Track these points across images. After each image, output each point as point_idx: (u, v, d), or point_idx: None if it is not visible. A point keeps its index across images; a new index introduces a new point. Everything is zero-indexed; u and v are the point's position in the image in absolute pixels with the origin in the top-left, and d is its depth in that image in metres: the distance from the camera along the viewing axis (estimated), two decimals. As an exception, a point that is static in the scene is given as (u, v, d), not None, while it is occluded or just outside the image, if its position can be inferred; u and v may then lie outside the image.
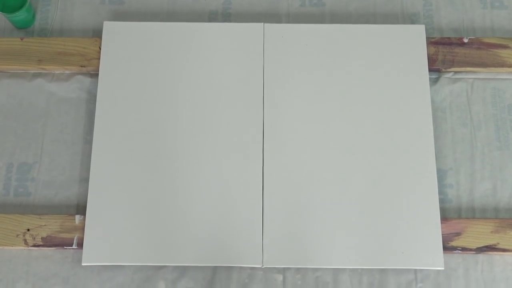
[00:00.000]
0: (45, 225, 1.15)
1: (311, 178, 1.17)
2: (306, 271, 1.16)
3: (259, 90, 1.23)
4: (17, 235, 1.15)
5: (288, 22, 1.34)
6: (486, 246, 1.14)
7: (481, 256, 1.17)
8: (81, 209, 1.19)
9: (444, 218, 1.17)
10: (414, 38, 1.27)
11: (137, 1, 1.35)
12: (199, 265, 1.14)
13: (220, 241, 1.14)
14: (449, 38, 1.29)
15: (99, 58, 1.26)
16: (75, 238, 1.15)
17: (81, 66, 1.26)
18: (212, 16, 1.34)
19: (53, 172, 1.22)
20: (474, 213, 1.20)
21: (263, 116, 1.21)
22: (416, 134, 1.20)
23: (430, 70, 1.26)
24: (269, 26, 1.28)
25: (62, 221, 1.16)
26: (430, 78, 1.28)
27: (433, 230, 1.14)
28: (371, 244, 1.14)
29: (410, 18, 1.34)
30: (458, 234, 1.15)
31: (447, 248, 1.14)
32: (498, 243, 1.14)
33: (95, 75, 1.28)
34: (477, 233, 1.15)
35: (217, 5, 1.35)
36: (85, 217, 1.15)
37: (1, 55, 1.26)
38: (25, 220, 1.16)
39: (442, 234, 1.14)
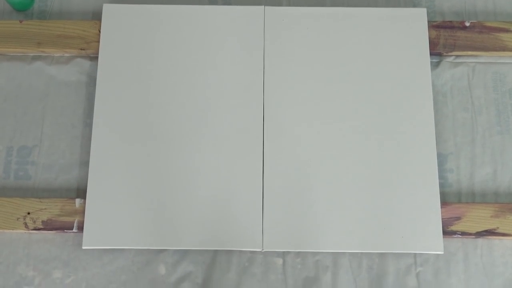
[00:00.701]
0: (45, 209, 1.15)
1: (311, 162, 1.17)
2: (306, 255, 1.16)
3: (260, 73, 1.22)
4: (18, 219, 1.15)
5: (289, 5, 1.33)
6: (486, 231, 1.15)
7: (481, 241, 1.17)
8: (82, 192, 1.20)
9: (444, 202, 1.17)
10: (416, 21, 1.26)
11: (136, -17, 1.35)
12: (199, 248, 1.14)
13: (220, 225, 1.14)
14: (450, 21, 1.28)
15: (98, 41, 1.25)
16: (76, 221, 1.15)
17: (81, 49, 1.26)
18: (213, -1, 1.33)
19: (53, 155, 1.22)
20: (474, 198, 1.20)
21: (263, 100, 1.21)
22: (417, 118, 1.20)
23: (431, 54, 1.26)
24: (270, 9, 1.27)
25: (62, 204, 1.16)
26: (431, 62, 1.27)
27: (433, 214, 1.14)
28: (371, 228, 1.14)
29: (411, 1, 1.33)
30: (458, 218, 1.15)
31: (446, 233, 1.14)
32: (497, 228, 1.15)
33: (95, 58, 1.28)
34: (477, 218, 1.15)
35: (217, -13, 1.34)
36: (85, 201, 1.15)
37: (0, 38, 1.26)
38: (25, 204, 1.16)
39: (442, 219, 1.14)
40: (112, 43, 1.24)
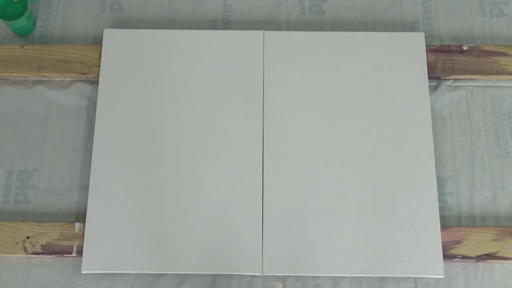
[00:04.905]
0: (44, 233, 1.15)
1: (311, 186, 1.17)
2: (306, 279, 1.16)
3: (259, 98, 1.23)
4: (17, 243, 1.15)
5: (288, 29, 1.34)
6: (486, 254, 1.14)
7: (481, 264, 1.17)
8: (81, 216, 1.19)
9: (444, 226, 1.17)
10: (414, 45, 1.27)
11: (137, 8, 1.36)
12: (199, 273, 1.14)
13: (220, 249, 1.14)
14: (448, 45, 1.29)
15: (99, 66, 1.26)
16: (75, 245, 1.15)
17: (82, 74, 1.26)
18: (212, 24, 1.34)
19: (53, 179, 1.22)
20: (474, 221, 1.20)
21: (263, 123, 1.21)
22: (416, 142, 1.20)
23: (429, 77, 1.27)
24: (269, 34, 1.28)
25: (62, 228, 1.16)
26: (429, 86, 1.28)
27: (433, 238, 1.14)
28: (371, 252, 1.13)
29: (409, 26, 1.34)
30: (458, 242, 1.15)
31: (447, 256, 1.14)
32: (498, 251, 1.14)
33: (95, 82, 1.28)
34: (477, 241, 1.15)
35: (217, 12, 1.35)
36: (85, 225, 1.15)
37: (1, 62, 1.27)
38: (25, 228, 1.16)
39: (442, 242, 1.14)
40: (113, 67, 1.25)
